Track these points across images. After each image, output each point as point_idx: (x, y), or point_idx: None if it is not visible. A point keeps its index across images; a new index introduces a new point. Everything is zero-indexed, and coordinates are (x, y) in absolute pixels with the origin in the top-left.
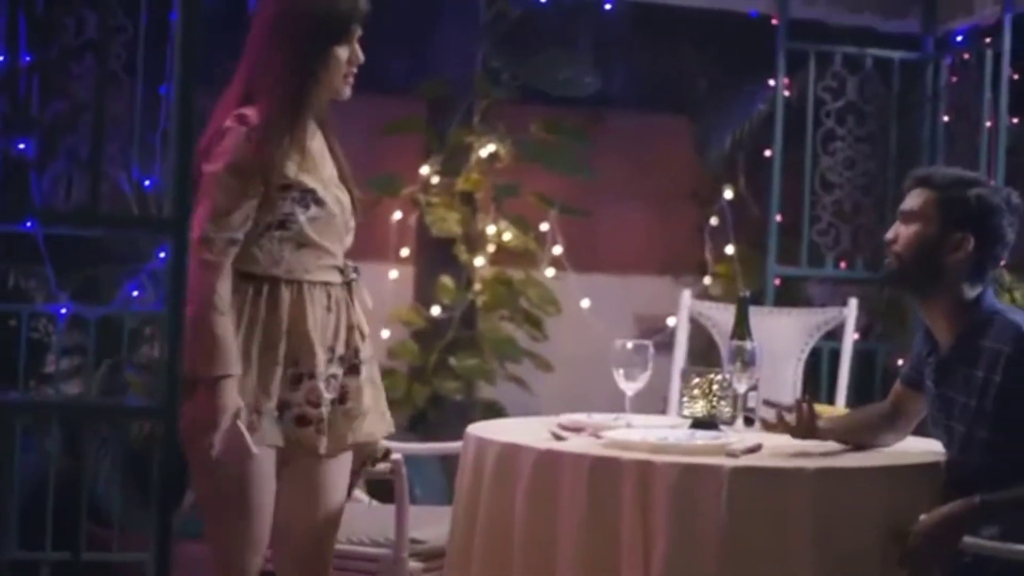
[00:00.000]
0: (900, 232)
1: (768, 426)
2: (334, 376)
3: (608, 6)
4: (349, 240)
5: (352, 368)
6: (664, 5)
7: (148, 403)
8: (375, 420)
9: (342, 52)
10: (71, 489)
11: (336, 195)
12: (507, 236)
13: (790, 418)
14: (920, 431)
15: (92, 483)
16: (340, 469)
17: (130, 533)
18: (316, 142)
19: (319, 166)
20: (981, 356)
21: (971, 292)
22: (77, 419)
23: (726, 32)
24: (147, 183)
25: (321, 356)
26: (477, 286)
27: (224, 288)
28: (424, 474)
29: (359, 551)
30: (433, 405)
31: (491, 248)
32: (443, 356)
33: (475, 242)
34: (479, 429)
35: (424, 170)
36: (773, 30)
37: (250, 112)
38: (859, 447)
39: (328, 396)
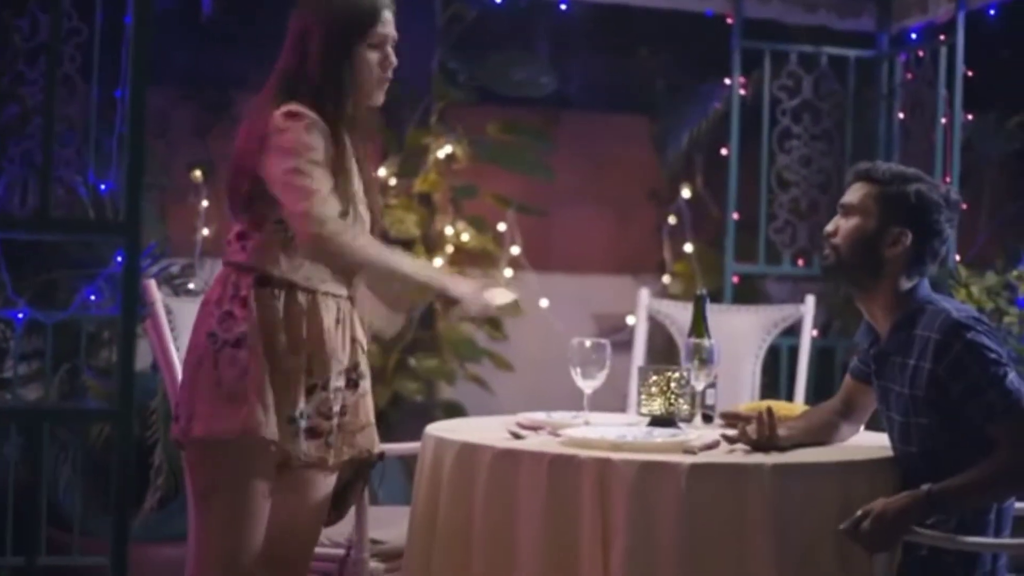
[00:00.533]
0: (840, 225)
1: (729, 440)
2: (338, 389)
3: (564, 7)
4: None
5: (351, 382)
6: (620, 5)
7: (104, 406)
8: (370, 434)
9: (371, 55)
10: (31, 494)
11: (359, 210)
12: (465, 237)
13: (751, 429)
14: (876, 426)
15: (52, 488)
16: (331, 482)
17: (91, 537)
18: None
19: (348, 178)
20: (913, 345)
21: (908, 284)
22: (34, 423)
23: (682, 32)
24: (103, 187)
25: (334, 368)
26: None
27: (359, 238)
28: (386, 476)
29: (319, 552)
30: (393, 406)
31: (450, 249)
32: (403, 357)
33: (433, 243)
34: (438, 429)
35: (381, 172)
36: (728, 29)
37: (300, 109)
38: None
39: (336, 408)
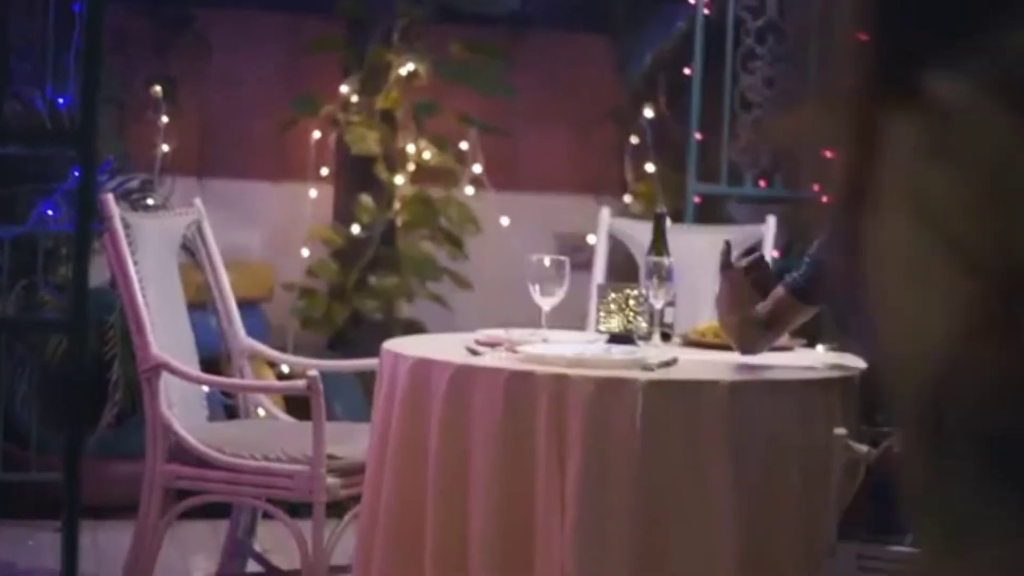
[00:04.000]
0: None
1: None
2: None
3: None
4: None
5: None
6: None
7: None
8: None
9: None
10: None
11: None
12: (427, 155)
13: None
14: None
15: (9, 404)
16: None
17: (48, 453)
18: None
19: None
20: None
21: None
22: None
23: None
24: (61, 101)
25: None
26: (397, 205)
27: None
28: (344, 392)
29: (276, 467)
30: (353, 324)
31: (411, 167)
32: (363, 275)
33: (395, 161)
34: (395, 345)
35: (343, 89)
36: None
37: None
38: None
39: None
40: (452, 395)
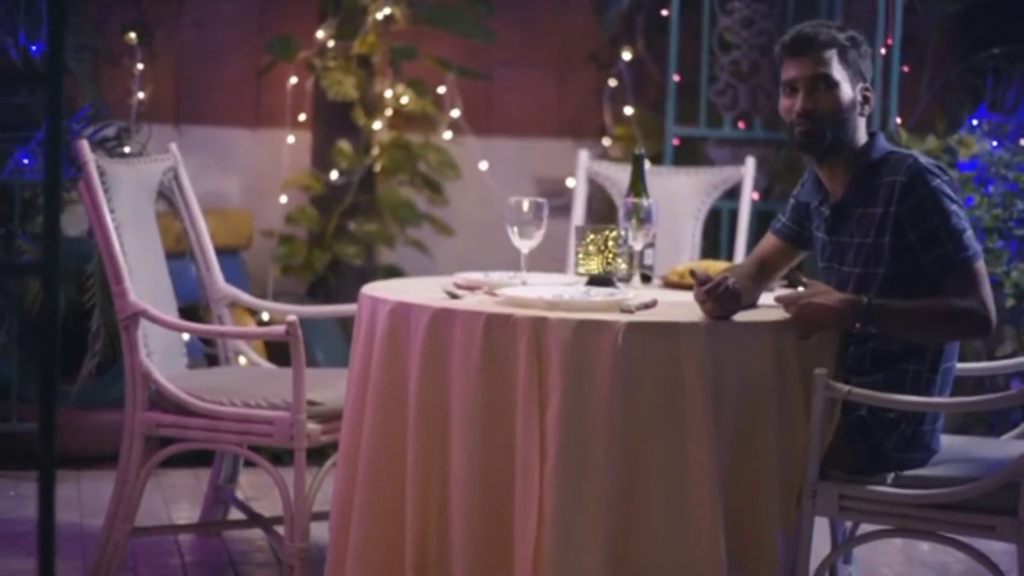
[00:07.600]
0: (821, 98)
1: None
2: None
3: None
4: None
5: None
6: None
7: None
8: None
9: None
10: None
11: None
12: (405, 100)
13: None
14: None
15: None
16: None
17: (30, 403)
18: None
19: None
20: (878, 193)
21: (862, 137)
22: None
23: None
24: (34, 48)
25: None
26: (375, 150)
27: None
28: (325, 338)
29: (255, 414)
30: (333, 270)
31: (389, 112)
32: (342, 221)
33: (372, 106)
34: (374, 289)
35: (320, 34)
36: None
37: None
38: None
39: None
40: (431, 338)
